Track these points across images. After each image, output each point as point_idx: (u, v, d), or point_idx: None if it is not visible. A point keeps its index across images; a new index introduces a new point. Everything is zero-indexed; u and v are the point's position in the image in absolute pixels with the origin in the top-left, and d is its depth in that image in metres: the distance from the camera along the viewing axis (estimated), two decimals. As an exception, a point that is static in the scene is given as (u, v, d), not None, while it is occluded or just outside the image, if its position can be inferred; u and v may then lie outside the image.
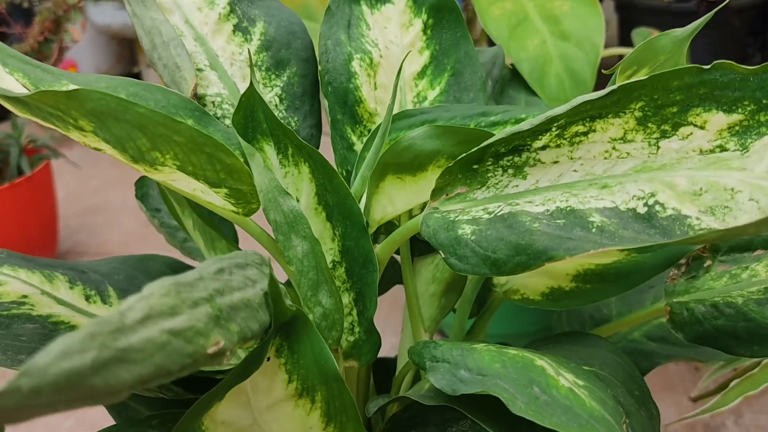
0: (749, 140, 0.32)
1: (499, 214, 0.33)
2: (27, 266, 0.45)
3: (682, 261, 0.40)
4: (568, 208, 0.31)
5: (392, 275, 0.61)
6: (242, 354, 0.44)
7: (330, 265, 0.43)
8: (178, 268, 0.51)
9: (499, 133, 0.35)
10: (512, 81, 0.71)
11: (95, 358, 0.17)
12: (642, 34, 1.04)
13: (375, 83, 0.51)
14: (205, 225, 0.44)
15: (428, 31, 0.54)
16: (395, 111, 0.52)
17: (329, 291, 0.41)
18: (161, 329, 0.21)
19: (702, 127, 0.33)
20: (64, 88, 0.40)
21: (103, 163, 1.68)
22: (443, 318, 0.49)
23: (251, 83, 0.40)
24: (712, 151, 0.33)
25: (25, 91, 0.37)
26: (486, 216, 0.34)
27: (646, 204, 0.30)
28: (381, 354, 0.61)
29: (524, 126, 0.34)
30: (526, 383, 0.28)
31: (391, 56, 0.52)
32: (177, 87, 0.45)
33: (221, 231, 0.44)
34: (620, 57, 0.76)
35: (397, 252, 0.49)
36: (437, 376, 0.31)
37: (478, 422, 0.30)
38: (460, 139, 0.39)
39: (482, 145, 0.36)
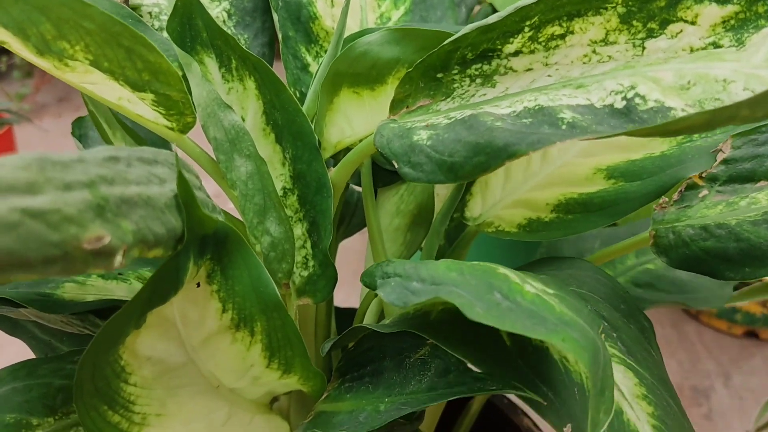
0: (746, 35, 0.28)
1: (459, 118, 0.29)
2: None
3: (676, 191, 0.36)
4: (537, 107, 0.27)
5: (362, 216, 0.57)
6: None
7: (281, 193, 0.39)
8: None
9: (463, 29, 0.30)
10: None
11: None
12: None
13: (332, 0, 0.46)
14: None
15: (392, -53, 0.49)
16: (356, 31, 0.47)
17: (278, 218, 0.37)
18: (11, 206, 0.16)
19: (693, 23, 0.29)
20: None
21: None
22: (410, 255, 0.45)
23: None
24: (704, 48, 0.28)
25: None
26: (446, 121, 0.29)
27: (624, 98, 0.26)
28: (349, 305, 0.58)
29: (491, 19, 0.30)
30: (486, 289, 0.24)
31: (352, -29, 0.47)
32: (107, -7, 0.40)
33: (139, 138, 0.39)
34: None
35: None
36: (387, 290, 0.27)
37: (439, 344, 0.26)
38: (423, 44, 0.35)
39: (444, 45, 0.31)
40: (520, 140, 0.24)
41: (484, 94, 0.32)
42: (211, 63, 0.38)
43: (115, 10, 0.39)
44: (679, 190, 0.35)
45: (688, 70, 0.26)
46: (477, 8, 0.79)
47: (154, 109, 0.33)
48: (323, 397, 0.36)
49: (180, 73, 0.31)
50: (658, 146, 0.37)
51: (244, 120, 0.39)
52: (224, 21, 0.45)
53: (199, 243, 0.26)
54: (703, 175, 0.35)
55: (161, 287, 0.25)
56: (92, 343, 0.25)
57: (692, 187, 0.35)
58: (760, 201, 0.32)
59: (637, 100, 0.26)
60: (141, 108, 0.33)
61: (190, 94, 0.35)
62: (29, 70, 1.70)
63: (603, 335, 0.31)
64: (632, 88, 0.26)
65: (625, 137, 0.33)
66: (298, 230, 0.39)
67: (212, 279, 0.30)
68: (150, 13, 0.42)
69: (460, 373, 0.28)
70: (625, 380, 0.29)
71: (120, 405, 0.29)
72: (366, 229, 0.46)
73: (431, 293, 0.24)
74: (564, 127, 0.25)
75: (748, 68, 0.26)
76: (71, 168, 0.19)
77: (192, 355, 0.32)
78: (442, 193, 0.44)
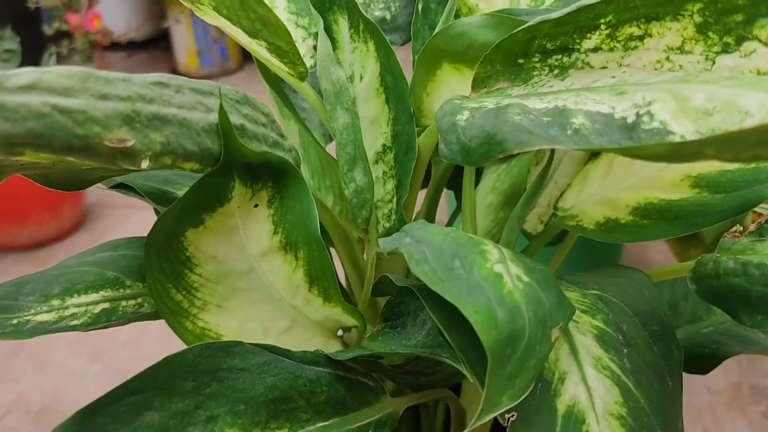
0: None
1: (501, 105, 0.30)
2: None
3: (754, 222, 0.34)
4: (562, 107, 0.28)
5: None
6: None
7: (381, 149, 0.43)
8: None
9: (531, 21, 0.31)
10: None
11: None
12: None
13: (484, -23, 0.47)
14: (272, 90, 0.45)
15: (570, -69, 0.49)
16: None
17: (363, 169, 0.41)
18: (44, 101, 0.23)
19: (767, 44, 0.27)
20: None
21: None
22: (501, 232, 0.46)
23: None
24: (771, 73, 0.26)
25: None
26: (491, 106, 0.31)
27: (638, 113, 0.26)
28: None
29: (552, 15, 0.30)
30: (450, 255, 0.26)
31: (515, -48, 0.49)
32: (278, -48, 0.46)
33: (286, 97, 0.45)
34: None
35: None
36: (386, 240, 0.30)
37: (421, 300, 0.29)
38: (516, 31, 0.36)
39: (519, 33, 0.32)
40: (513, 138, 0.26)
41: (551, 86, 0.33)
42: (344, 23, 0.43)
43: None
44: (758, 221, 0.33)
45: (721, 95, 0.25)
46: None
47: (271, 55, 0.39)
48: (367, 335, 0.40)
49: (284, 25, 0.36)
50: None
51: (362, 78, 0.43)
52: (382, -13, 0.49)
53: (245, 168, 0.31)
54: (791, 212, 0.32)
55: (204, 197, 0.31)
56: (153, 228, 0.32)
57: (774, 221, 0.32)
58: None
59: (645, 117, 0.25)
60: (264, 53, 0.39)
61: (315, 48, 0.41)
62: (89, 55, 1.72)
63: (603, 346, 0.31)
64: (649, 104, 0.26)
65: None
66: (390, 185, 0.43)
67: (271, 204, 0.35)
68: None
69: (434, 337, 0.30)
70: (605, 394, 0.29)
71: (183, 287, 0.36)
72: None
73: (403, 247, 0.27)
74: (569, 132, 0.26)
75: (780, 100, 0.24)
76: (113, 84, 0.25)
77: (255, 265, 0.38)
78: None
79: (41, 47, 1.85)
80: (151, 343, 0.98)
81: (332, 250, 0.48)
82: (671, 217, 0.36)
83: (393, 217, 0.43)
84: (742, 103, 0.24)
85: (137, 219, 1.33)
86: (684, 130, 0.24)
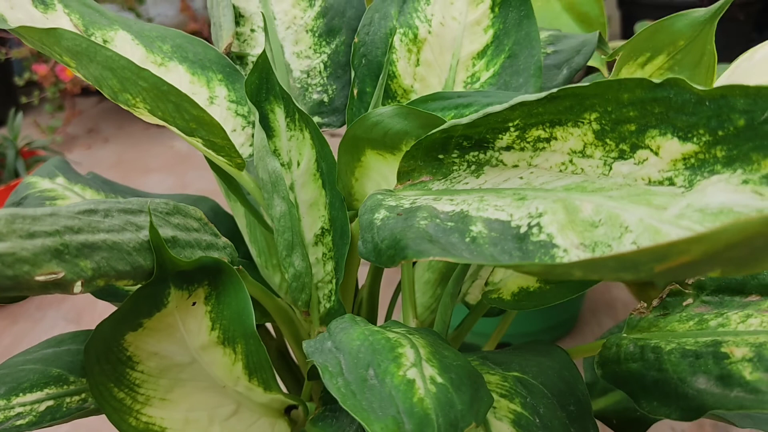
0: (699, 177, 0.27)
1: (414, 206, 0.32)
2: (89, 185, 0.52)
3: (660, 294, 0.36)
4: (465, 213, 0.30)
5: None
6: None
7: (319, 232, 0.45)
8: (218, 212, 0.56)
9: (446, 124, 0.33)
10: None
11: None
12: (645, 27, 0.93)
13: (418, 59, 0.50)
14: (217, 175, 0.47)
15: (496, 9, 0.51)
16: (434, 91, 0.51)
17: (301, 254, 0.42)
18: (-28, 249, 0.24)
19: (656, 153, 0.29)
20: (111, 33, 0.45)
21: (104, 164, 1.71)
22: (437, 307, 0.48)
23: (264, 48, 0.42)
24: (660, 183, 0.28)
25: (71, 28, 0.42)
26: (407, 205, 0.33)
27: (529, 224, 0.28)
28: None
29: (463, 121, 0.32)
30: (365, 365, 0.28)
31: (445, 33, 0.51)
32: (216, 44, 0.48)
33: (231, 182, 0.47)
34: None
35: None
36: (310, 343, 0.32)
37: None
38: (426, 122, 0.38)
39: (437, 132, 0.35)
40: (414, 245, 0.28)
41: (467, 183, 0.35)
42: (280, 112, 0.45)
43: (218, 59, 0.47)
44: (661, 295, 0.35)
45: (607, 207, 0.27)
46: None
47: (207, 150, 0.40)
48: (309, 418, 0.41)
49: (218, 123, 0.38)
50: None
51: (299, 164, 0.45)
52: (320, 71, 0.51)
53: (179, 276, 0.33)
54: (691, 281, 0.35)
55: (141, 306, 0.32)
56: (92, 335, 0.33)
57: (677, 293, 0.35)
58: (731, 324, 0.31)
59: (535, 229, 0.27)
60: (202, 147, 0.41)
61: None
62: (60, 103, 1.74)
63: (519, 430, 0.32)
64: (540, 215, 0.28)
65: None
66: (329, 267, 0.45)
67: (208, 301, 0.36)
68: (253, 62, 0.50)
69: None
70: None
71: (125, 385, 0.37)
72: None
73: (321, 357, 0.29)
74: (467, 240, 0.28)
75: (656, 220, 0.26)
76: (39, 221, 0.26)
77: (196, 357, 0.39)
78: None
79: (13, 98, 1.84)
80: (88, 428, 0.95)
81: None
82: (568, 280, 0.38)
83: (333, 297, 0.45)
84: (624, 217, 0.27)
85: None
86: (568, 243, 0.26)
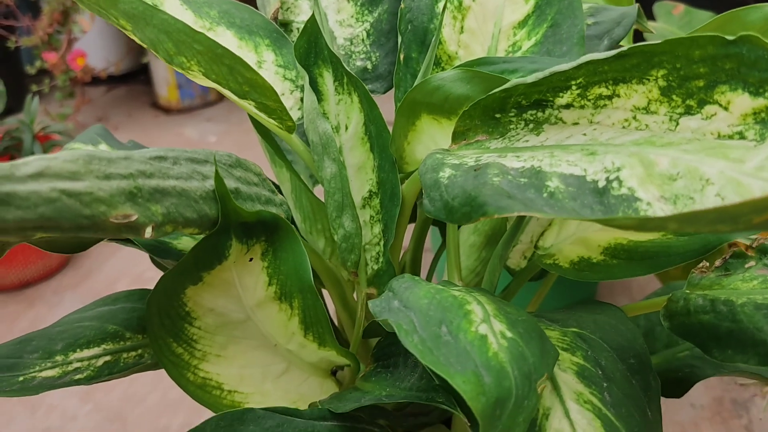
0: (770, 132, 0.27)
1: (477, 164, 0.32)
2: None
3: (723, 255, 0.36)
4: (538, 168, 0.30)
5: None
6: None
7: (367, 195, 0.45)
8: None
9: (507, 84, 0.33)
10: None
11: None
12: (664, 7, 0.94)
13: (462, 27, 0.50)
14: (264, 141, 0.47)
15: (538, -20, 0.51)
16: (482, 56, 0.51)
17: (351, 215, 0.43)
18: (53, 187, 0.24)
19: (726, 108, 0.29)
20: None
21: (118, 149, 1.73)
22: (484, 270, 0.48)
23: (312, 13, 0.43)
24: (730, 137, 0.28)
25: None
26: (472, 163, 0.33)
27: (607, 178, 0.28)
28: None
29: (528, 80, 0.32)
30: (437, 322, 0.28)
31: (487, 2, 0.51)
32: (262, 10, 0.48)
33: (277, 147, 0.47)
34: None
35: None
36: (375, 302, 0.32)
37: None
38: (489, 86, 0.38)
39: (497, 92, 0.35)
40: (493, 202, 0.28)
41: (527, 140, 0.35)
42: (328, 76, 0.45)
43: (265, 24, 0.47)
44: (723, 257, 0.35)
45: (684, 161, 0.27)
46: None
47: (259, 113, 0.41)
48: (360, 375, 0.42)
49: (270, 85, 0.38)
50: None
51: (347, 128, 0.45)
52: (363, 39, 0.51)
53: (240, 227, 0.33)
54: (754, 245, 0.34)
55: (204, 257, 0.33)
56: (155, 288, 0.34)
57: (739, 255, 0.35)
58: (797, 285, 0.31)
59: (615, 183, 0.27)
60: (254, 110, 0.41)
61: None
62: (71, 91, 1.73)
63: (584, 381, 0.33)
64: (618, 170, 0.28)
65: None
66: (377, 229, 0.45)
67: (265, 257, 0.37)
68: (298, 28, 0.50)
69: (428, 381, 0.32)
70: (588, 427, 0.31)
71: (183, 341, 0.37)
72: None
73: (392, 315, 0.29)
74: (545, 195, 0.28)
75: (736, 172, 0.26)
76: (115, 163, 0.27)
77: (251, 314, 0.39)
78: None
79: (24, 87, 1.85)
80: (142, 382, 0.98)
81: (324, 290, 0.50)
82: (638, 258, 0.38)
83: (381, 259, 0.45)
84: (703, 170, 0.26)
85: (123, 255, 1.33)
86: (650, 196, 0.26)
